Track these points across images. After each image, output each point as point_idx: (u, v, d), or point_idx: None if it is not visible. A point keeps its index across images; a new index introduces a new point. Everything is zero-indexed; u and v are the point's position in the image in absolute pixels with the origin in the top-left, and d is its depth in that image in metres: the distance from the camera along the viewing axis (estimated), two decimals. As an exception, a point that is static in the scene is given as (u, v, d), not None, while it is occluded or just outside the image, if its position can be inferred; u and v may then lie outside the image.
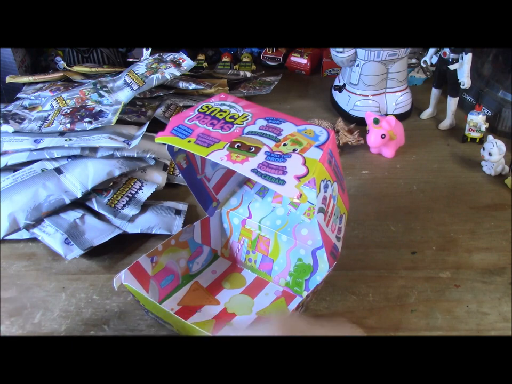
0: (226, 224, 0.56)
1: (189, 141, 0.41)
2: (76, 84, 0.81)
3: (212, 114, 0.44)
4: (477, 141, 0.75)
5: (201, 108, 0.45)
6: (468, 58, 0.72)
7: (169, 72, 0.76)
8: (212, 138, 0.41)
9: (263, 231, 0.54)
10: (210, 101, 0.46)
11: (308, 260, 0.52)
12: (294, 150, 0.40)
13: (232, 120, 0.43)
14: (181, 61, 0.79)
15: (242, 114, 0.44)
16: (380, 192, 0.67)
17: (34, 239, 0.58)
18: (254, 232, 0.54)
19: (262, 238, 0.54)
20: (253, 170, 0.38)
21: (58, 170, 0.61)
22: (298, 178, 0.38)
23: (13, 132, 0.67)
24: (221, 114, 0.44)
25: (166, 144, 0.43)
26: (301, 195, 0.37)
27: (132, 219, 0.59)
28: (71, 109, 0.70)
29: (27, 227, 0.58)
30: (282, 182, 0.37)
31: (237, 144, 0.41)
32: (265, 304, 0.51)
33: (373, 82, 0.79)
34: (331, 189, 0.43)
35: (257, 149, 0.40)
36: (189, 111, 0.45)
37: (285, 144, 0.41)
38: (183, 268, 0.53)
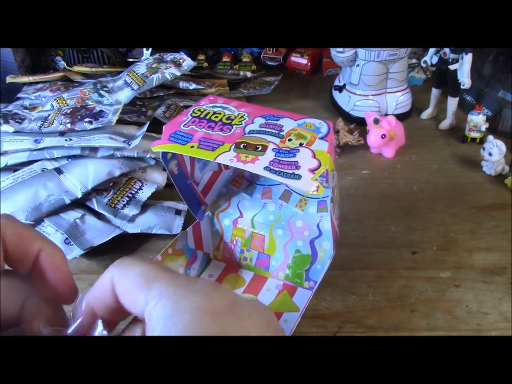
0: (217, 226, 0.56)
1: (192, 146, 0.41)
2: (76, 84, 0.81)
3: (207, 117, 0.44)
4: (477, 141, 0.75)
5: (193, 111, 0.45)
6: (468, 58, 0.72)
7: (170, 72, 0.76)
8: (214, 141, 0.41)
9: (257, 228, 0.54)
10: (201, 104, 0.46)
11: (306, 251, 0.51)
12: (301, 144, 0.40)
13: (230, 121, 0.43)
14: (181, 61, 0.79)
15: (238, 114, 0.44)
16: (380, 192, 0.67)
17: (34, 239, 0.58)
18: (247, 230, 0.54)
19: (256, 235, 0.54)
20: (266, 168, 0.38)
21: (59, 170, 0.61)
22: (312, 171, 0.38)
23: (13, 132, 0.67)
24: (216, 117, 0.44)
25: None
26: (318, 187, 0.37)
27: (132, 219, 0.59)
28: (71, 109, 0.70)
29: (27, 227, 0.57)
30: (298, 177, 0.38)
31: (243, 144, 0.40)
32: (269, 299, 0.51)
33: (373, 82, 0.79)
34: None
35: (264, 147, 0.40)
36: (182, 117, 0.44)
37: (290, 140, 0.41)
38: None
